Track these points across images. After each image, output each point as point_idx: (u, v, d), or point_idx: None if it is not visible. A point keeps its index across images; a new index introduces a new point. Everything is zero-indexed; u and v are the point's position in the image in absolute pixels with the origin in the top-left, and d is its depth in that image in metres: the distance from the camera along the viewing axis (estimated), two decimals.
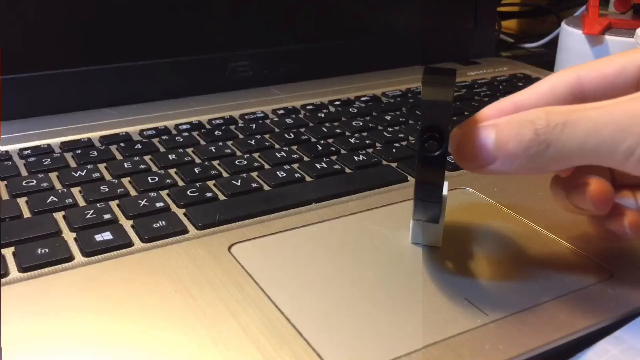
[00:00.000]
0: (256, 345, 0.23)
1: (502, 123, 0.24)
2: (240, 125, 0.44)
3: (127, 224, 0.31)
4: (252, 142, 0.41)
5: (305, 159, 0.39)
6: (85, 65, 0.45)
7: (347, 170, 0.38)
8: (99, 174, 0.36)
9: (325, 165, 0.38)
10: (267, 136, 0.42)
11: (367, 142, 0.42)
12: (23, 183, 0.34)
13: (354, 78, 0.55)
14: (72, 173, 0.36)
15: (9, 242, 0.29)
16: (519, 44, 0.73)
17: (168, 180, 0.35)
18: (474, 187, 0.35)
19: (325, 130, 0.43)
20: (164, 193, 0.34)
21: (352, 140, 0.42)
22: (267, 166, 0.38)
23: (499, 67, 0.60)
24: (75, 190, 0.34)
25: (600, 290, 0.27)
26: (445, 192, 0.27)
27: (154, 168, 0.38)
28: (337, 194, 0.34)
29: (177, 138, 0.41)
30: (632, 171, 0.23)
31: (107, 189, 0.34)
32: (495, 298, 0.26)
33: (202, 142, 0.41)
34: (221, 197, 0.34)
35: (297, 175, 0.36)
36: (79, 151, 0.39)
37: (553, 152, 0.23)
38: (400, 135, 0.43)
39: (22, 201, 0.33)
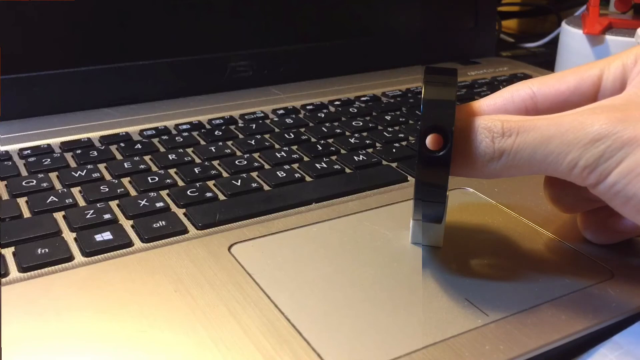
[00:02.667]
0: (256, 345, 0.23)
1: (461, 129, 0.25)
2: (240, 125, 0.44)
3: (127, 224, 0.31)
4: (252, 142, 0.41)
5: (305, 159, 0.39)
6: (85, 65, 0.45)
7: (347, 170, 0.38)
8: (99, 174, 0.36)
9: (325, 165, 0.38)
10: (267, 136, 0.42)
11: (367, 142, 0.41)
12: (23, 183, 0.34)
13: (354, 78, 0.55)
14: (72, 173, 0.36)
15: (9, 242, 0.29)
16: (520, 44, 0.73)
17: (168, 180, 0.35)
18: (474, 187, 0.35)
19: (325, 130, 0.43)
20: (164, 193, 0.34)
21: (352, 140, 0.42)
22: (267, 166, 0.38)
23: (500, 67, 0.60)
24: (75, 190, 0.34)
25: (600, 291, 0.27)
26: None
27: (154, 168, 0.38)
28: (337, 194, 0.34)
29: (177, 138, 0.41)
30: (575, 181, 0.24)
31: (107, 189, 0.34)
32: (496, 298, 0.26)
33: (202, 142, 0.41)
34: (221, 197, 0.34)
35: (297, 175, 0.36)
36: (79, 151, 0.39)
37: (505, 160, 0.24)
38: (400, 135, 0.43)
39: (22, 201, 0.33)
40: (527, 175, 0.25)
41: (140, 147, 0.40)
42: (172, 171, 0.37)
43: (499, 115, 0.25)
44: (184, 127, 0.43)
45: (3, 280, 0.27)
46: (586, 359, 0.24)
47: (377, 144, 0.42)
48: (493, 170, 0.25)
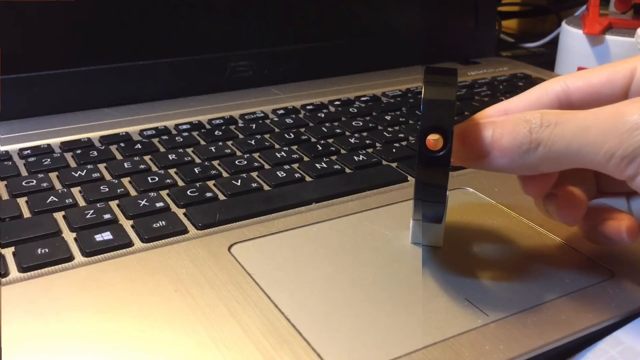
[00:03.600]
0: (256, 345, 0.23)
1: (499, 120, 0.25)
2: (240, 125, 0.44)
3: (127, 224, 0.31)
4: (252, 142, 0.41)
5: (305, 159, 0.39)
6: (85, 65, 0.45)
7: (347, 170, 0.38)
8: (99, 174, 0.36)
9: (325, 165, 0.38)
10: (267, 136, 0.42)
11: (367, 142, 0.41)
12: (23, 183, 0.34)
13: (354, 78, 0.55)
14: (72, 173, 0.36)
15: (9, 242, 0.29)
16: (520, 44, 0.73)
17: (168, 180, 0.35)
18: (474, 187, 0.35)
19: (325, 130, 0.43)
20: (164, 193, 0.34)
21: (352, 140, 0.42)
22: (267, 166, 0.38)
23: (499, 67, 0.60)
24: (75, 190, 0.34)
25: (600, 290, 0.27)
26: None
27: (154, 168, 0.38)
28: (337, 194, 0.34)
29: (177, 138, 0.41)
30: (612, 173, 0.24)
31: (107, 189, 0.34)
32: (496, 298, 0.26)
33: (202, 142, 0.41)
34: (221, 197, 0.34)
35: (297, 175, 0.36)
36: (79, 151, 0.39)
37: (542, 151, 0.24)
38: (400, 135, 0.43)
39: (22, 201, 0.33)
40: (562, 169, 0.25)
41: (140, 147, 0.40)
42: (172, 171, 0.37)
43: (537, 110, 0.25)
44: (184, 127, 0.43)
45: (3, 280, 0.27)
46: (587, 355, 0.24)
47: (377, 144, 0.42)
48: (529, 162, 0.24)
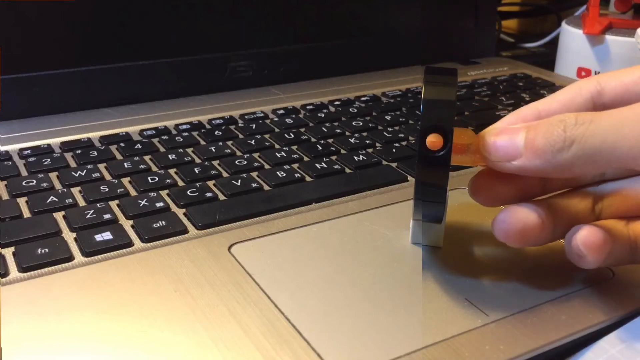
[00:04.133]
0: (256, 345, 0.23)
1: (533, 125, 0.25)
2: (240, 125, 0.44)
3: (127, 224, 0.31)
4: (252, 142, 0.41)
5: (305, 159, 0.39)
6: (85, 65, 0.45)
7: (347, 170, 0.38)
8: (99, 174, 0.36)
9: (325, 165, 0.38)
10: (267, 136, 0.42)
11: (367, 142, 0.41)
12: (23, 183, 0.34)
13: (354, 78, 0.55)
14: (72, 173, 0.36)
15: (9, 242, 0.29)
16: (520, 44, 0.73)
17: (168, 180, 0.35)
18: None
19: (325, 130, 0.43)
20: (164, 193, 0.34)
21: (352, 140, 0.42)
22: (267, 166, 0.38)
23: (500, 67, 0.60)
24: (75, 190, 0.34)
25: (600, 291, 0.27)
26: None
27: (154, 168, 0.38)
28: (337, 194, 0.34)
29: (177, 138, 0.41)
30: None
31: (107, 189, 0.34)
32: (496, 298, 0.26)
33: (202, 142, 0.41)
34: (221, 197, 0.34)
35: (297, 175, 0.36)
36: (79, 151, 0.39)
37: (576, 148, 0.23)
38: (400, 135, 0.43)
39: (22, 201, 0.33)
40: (596, 170, 0.25)
41: (140, 147, 0.40)
42: (172, 171, 0.37)
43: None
44: (184, 127, 0.43)
45: (3, 280, 0.27)
46: (587, 354, 0.24)
47: (377, 144, 0.42)
48: (562, 161, 0.24)
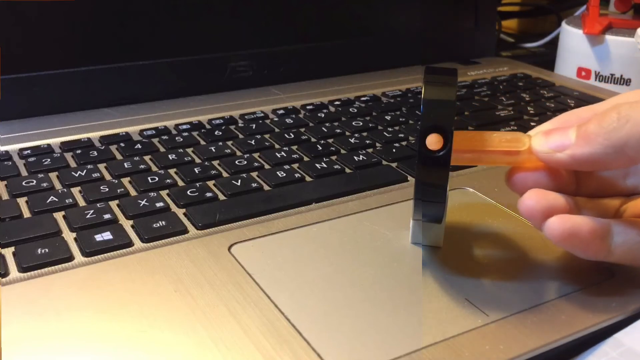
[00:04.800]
0: (256, 345, 0.23)
1: (583, 122, 0.25)
2: (240, 125, 0.44)
3: (127, 224, 0.31)
4: (252, 142, 0.41)
5: (305, 159, 0.39)
6: (85, 65, 0.45)
7: (347, 170, 0.38)
8: (99, 174, 0.36)
9: (325, 165, 0.38)
10: (267, 136, 0.42)
11: (367, 142, 0.41)
12: (23, 183, 0.34)
13: (354, 78, 0.55)
14: (72, 173, 0.36)
15: (9, 242, 0.29)
16: (520, 44, 0.73)
17: (168, 180, 0.35)
18: (474, 187, 0.35)
19: (325, 130, 0.43)
20: (164, 193, 0.34)
21: (352, 140, 0.42)
22: (267, 166, 0.38)
23: (499, 67, 0.60)
24: (75, 190, 0.34)
25: (600, 290, 0.27)
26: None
27: (154, 168, 0.38)
28: (337, 194, 0.34)
29: (177, 138, 0.41)
30: None
31: (107, 189, 0.34)
32: (496, 298, 0.26)
33: (202, 142, 0.41)
34: (221, 197, 0.34)
35: (297, 175, 0.36)
36: (79, 151, 0.39)
37: (629, 127, 0.23)
38: (400, 135, 0.43)
39: (22, 201, 0.33)
40: None
41: (140, 147, 0.40)
42: (172, 171, 0.37)
43: None
44: (184, 127, 0.43)
45: (3, 280, 0.27)
46: (588, 357, 0.24)
47: (377, 144, 0.42)
48: (615, 140, 0.23)
